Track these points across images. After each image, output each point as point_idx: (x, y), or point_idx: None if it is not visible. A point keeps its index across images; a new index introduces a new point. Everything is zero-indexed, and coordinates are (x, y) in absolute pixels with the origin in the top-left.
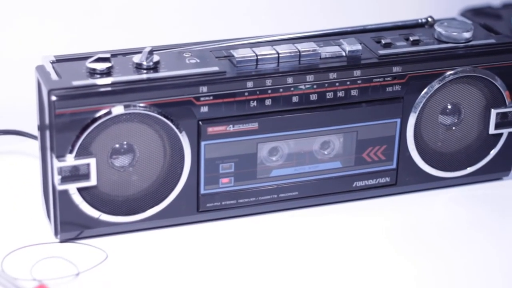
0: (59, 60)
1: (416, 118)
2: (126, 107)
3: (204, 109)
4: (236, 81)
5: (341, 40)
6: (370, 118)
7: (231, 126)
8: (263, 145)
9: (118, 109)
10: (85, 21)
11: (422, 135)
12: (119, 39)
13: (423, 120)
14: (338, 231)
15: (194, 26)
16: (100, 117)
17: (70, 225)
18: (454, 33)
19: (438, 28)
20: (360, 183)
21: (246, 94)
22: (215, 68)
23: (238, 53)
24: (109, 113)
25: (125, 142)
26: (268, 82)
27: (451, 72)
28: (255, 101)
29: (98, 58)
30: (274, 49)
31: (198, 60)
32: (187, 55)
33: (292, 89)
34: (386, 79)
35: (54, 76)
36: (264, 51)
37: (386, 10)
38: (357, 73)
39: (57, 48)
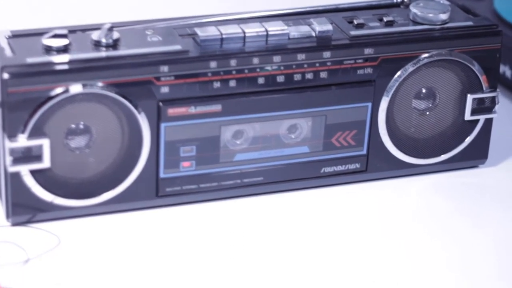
0: (16, 36)
1: (388, 102)
2: (83, 86)
3: (165, 89)
4: (199, 61)
5: (311, 20)
6: (339, 101)
7: (193, 107)
8: (227, 127)
9: (74, 88)
10: None
11: (394, 120)
12: (80, 13)
13: (396, 105)
14: (304, 218)
15: (160, 1)
16: (55, 96)
17: (22, 208)
18: (430, 14)
19: (413, 9)
20: (328, 169)
21: (210, 74)
22: (178, 47)
23: (202, 32)
24: (64, 92)
25: (81, 123)
26: (233, 62)
27: (426, 55)
28: (219, 82)
29: (55, 34)
30: (241, 28)
31: (161, 38)
32: (149, 33)
33: (258, 70)
34: (357, 61)
35: (8, 52)
36: (230, 30)
37: None
38: (326, 54)
39: (16, 22)
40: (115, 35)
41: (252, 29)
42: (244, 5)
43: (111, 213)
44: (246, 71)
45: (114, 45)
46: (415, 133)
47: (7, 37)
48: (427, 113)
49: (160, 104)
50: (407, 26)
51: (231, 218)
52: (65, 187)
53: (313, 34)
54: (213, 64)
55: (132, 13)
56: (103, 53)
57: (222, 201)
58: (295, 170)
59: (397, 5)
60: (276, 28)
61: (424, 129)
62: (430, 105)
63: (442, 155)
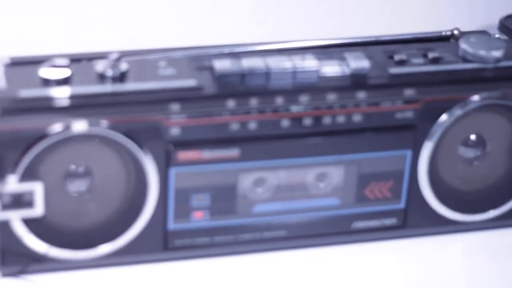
0: (15, 63)
1: (431, 150)
2: (83, 125)
3: (176, 130)
4: (216, 99)
5: (346, 54)
6: (375, 148)
7: (207, 151)
8: (246, 175)
9: (73, 127)
10: (53, 17)
11: (438, 170)
12: (86, 39)
13: (440, 153)
14: (332, 278)
15: (177, 28)
16: (50, 135)
17: (13, 257)
18: (482, 51)
19: (463, 45)
20: (361, 224)
21: (227, 114)
22: (192, 82)
23: (221, 65)
24: (62, 131)
25: (80, 165)
26: (254, 101)
27: (476, 98)
28: (237, 124)
29: (54, 64)
30: (265, 61)
31: (174, 71)
32: (162, 64)
33: (282, 110)
34: (396, 103)
35: (2, 83)
36: (252, 63)
37: (406, 18)
38: (361, 95)
39: (19, 47)
40: (123, 66)
41: (278, 64)
42: (270, 34)
43: (112, 266)
44: (269, 111)
45: (121, 78)
46: (461, 186)
47: (6, 65)
48: (476, 163)
49: (170, 146)
50: (455, 64)
51: (248, 275)
52: (61, 236)
53: (347, 71)
54: (231, 103)
55: (148, 39)
56: (108, 88)
57: (239, 256)
58: (323, 224)
59: (446, 39)
60: (304, 63)
61: (472, 181)
62: (479, 154)
63: (491, 211)
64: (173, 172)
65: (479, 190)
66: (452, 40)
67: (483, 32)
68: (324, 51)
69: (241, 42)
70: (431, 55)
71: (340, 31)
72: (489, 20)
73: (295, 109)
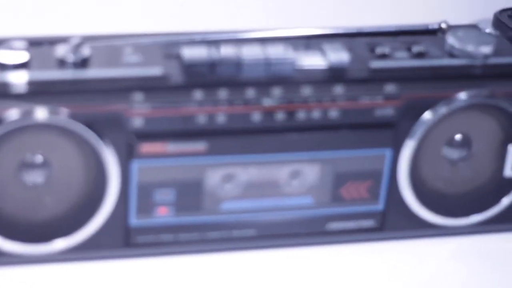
0: None
1: (413, 149)
2: (41, 113)
3: (139, 121)
4: (182, 89)
5: (324, 45)
6: (352, 146)
7: (171, 144)
8: (214, 170)
9: (31, 115)
10: None
11: (419, 170)
12: (46, 21)
13: (422, 153)
14: (303, 280)
15: (146, 13)
16: (6, 123)
17: None
18: (470, 47)
19: (450, 39)
20: (336, 225)
21: (194, 106)
22: (157, 71)
23: (189, 53)
24: (18, 118)
25: (38, 155)
26: (224, 92)
27: (462, 96)
28: (205, 116)
29: (11, 47)
30: (237, 50)
31: (140, 59)
32: (127, 51)
33: (254, 103)
34: (376, 99)
35: None
36: (223, 52)
37: (395, 9)
38: (339, 89)
39: None
40: (86, 52)
41: (250, 53)
42: (247, 22)
43: (70, 261)
44: (239, 104)
45: (83, 64)
46: (443, 188)
47: None
48: (460, 164)
49: (132, 138)
50: (440, 59)
51: (214, 275)
52: (16, 229)
53: (325, 63)
54: (199, 94)
55: (115, 23)
56: (68, 74)
57: (205, 255)
58: (295, 224)
59: (433, 32)
60: (279, 53)
61: (455, 183)
62: (464, 155)
63: (474, 216)
64: (135, 165)
65: (463, 193)
66: (439, 34)
67: (472, 27)
68: (302, 41)
69: (213, 30)
70: (415, 49)
71: (321, 21)
72: (486, 14)
73: (267, 102)
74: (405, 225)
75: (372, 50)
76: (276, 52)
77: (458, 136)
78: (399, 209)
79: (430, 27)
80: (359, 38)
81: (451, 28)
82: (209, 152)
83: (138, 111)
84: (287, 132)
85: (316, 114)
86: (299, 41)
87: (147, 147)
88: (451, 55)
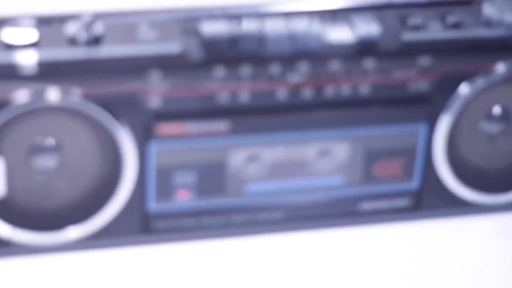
0: None
1: (449, 124)
2: (53, 94)
3: (156, 101)
4: (202, 66)
5: (354, 18)
6: (384, 122)
7: (191, 124)
8: (237, 150)
9: (41, 97)
10: None
11: (456, 146)
12: None
13: (459, 128)
14: (336, 264)
15: None
16: (15, 106)
17: None
18: (508, 16)
19: (487, 8)
20: (368, 205)
21: (216, 84)
22: (175, 47)
23: (209, 28)
24: (28, 101)
25: (49, 139)
26: (246, 69)
27: (501, 68)
28: (227, 94)
29: (19, 25)
30: (260, 25)
31: (157, 35)
32: (142, 28)
33: (279, 79)
34: (409, 73)
35: None
36: (246, 27)
37: None
38: (369, 63)
39: None
40: (98, 29)
41: (274, 27)
42: None
43: (86, 249)
44: (263, 80)
45: (96, 42)
46: (482, 164)
47: None
48: (499, 138)
49: (150, 118)
50: (476, 29)
51: (240, 260)
52: (27, 218)
53: (354, 36)
54: (220, 72)
55: None
56: (79, 53)
57: (229, 240)
58: (325, 205)
59: (468, 2)
60: (305, 26)
61: (494, 158)
62: (503, 128)
63: None
64: (153, 147)
65: (503, 168)
66: (474, 4)
67: None
68: (329, 14)
69: (234, 4)
70: (450, 19)
71: None
72: None
73: (293, 78)
74: (442, 203)
75: (403, 21)
76: (301, 25)
77: (496, 110)
78: (435, 187)
79: None
80: (389, 10)
81: None
82: (232, 132)
83: (156, 90)
84: (314, 109)
85: (345, 89)
86: (326, 14)
87: (165, 128)
88: (488, 25)
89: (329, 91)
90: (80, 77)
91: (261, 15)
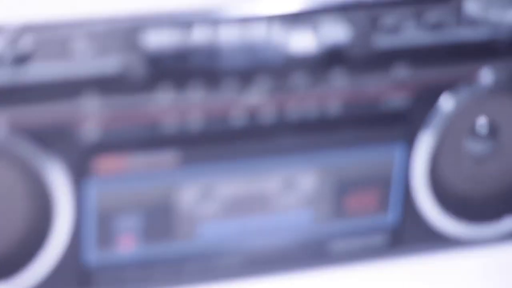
0: None
1: (430, 144)
2: None
3: (93, 131)
4: (145, 87)
5: (318, 22)
6: (356, 146)
7: (134, 157)
8: (188, 185)
9: None
10: None
11: (438, 170)
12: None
13: (441, 148)
14: None
15: None
16: None
17: None
18: (494, 12)
19: (469, 4)
20: (340, 245)
21: (161, 108)
22: (114, 65)
23: (153, 40)
24: None
25: None
26: (197, 89)
27: (487, 76)
28: (175, 120)
29: None
30: (212, 34)
31: (93, 50)
32: (79, 40)
33: (234, 100)
34: (383, 85)
35: None
36: (196, 37)
37: None
38: (337, 76)
39: None
40: (26, 43)
41: (228, 37)
42: None
43: None
44: (216, 101)
45: (23, 60)
46: (468, 190)
47: None
48: (487, 159)
49: (85, 152)
50: (458, 30)
51: None
52: None
53: (319, 44)
54: (166, 93)
55: (62, 6)
56: (4, 74)
57: None
58: (290, 247)
59: None
60: (263, 35)
61: (482, 183)
62: (491, 147)
63: (506, 222)
64: (90, 185)
65: (490, 195)
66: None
67: None
68: (292, 19)
69: (183, 10)
70: (427, 19)
71: None
72: None
73: (251, 97)
74: (423, 239)
75: (375, 23)
76: (259, 34)
77: (483, 126)
78: (416, 220)
79: None
80: (359, 10)
81: None
82: (182, 164)
83: (92, 118)
84: (276, 133)
85: (311, 108)
86: (287, 18)
87: (104, 162)
88: (471, 24)
89: (293, 111)
90: (4, 105)
91: (213, 22)
